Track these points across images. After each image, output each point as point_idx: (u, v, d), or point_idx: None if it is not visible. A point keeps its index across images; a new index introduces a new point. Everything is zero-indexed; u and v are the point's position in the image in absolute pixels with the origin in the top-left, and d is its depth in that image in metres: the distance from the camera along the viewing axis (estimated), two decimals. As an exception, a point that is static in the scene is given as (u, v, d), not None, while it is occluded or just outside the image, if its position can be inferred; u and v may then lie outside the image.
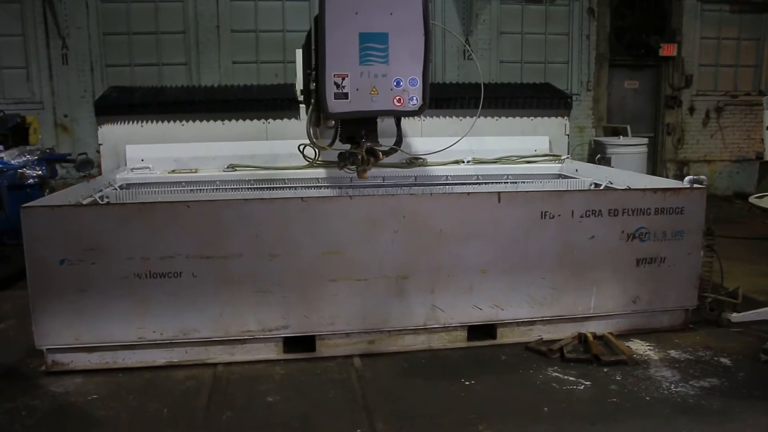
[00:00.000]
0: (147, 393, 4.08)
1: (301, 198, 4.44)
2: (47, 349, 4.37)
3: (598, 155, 9.57)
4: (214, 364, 4.46)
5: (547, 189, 6.24)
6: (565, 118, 7.60)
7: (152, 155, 6.69)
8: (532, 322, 4.89)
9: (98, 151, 6.97)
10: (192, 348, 4.49)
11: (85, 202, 5.20)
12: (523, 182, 6.64)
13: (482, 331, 4.85)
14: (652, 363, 4.48)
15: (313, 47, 4.65)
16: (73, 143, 10.68)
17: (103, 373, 4.36)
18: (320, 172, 6.53)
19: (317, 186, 6.45)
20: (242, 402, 3.95)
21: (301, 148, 6.04)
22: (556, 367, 4.41)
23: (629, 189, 5.33)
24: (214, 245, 4.33)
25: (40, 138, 8.88)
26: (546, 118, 7.53)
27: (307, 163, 6.25)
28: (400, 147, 5.20)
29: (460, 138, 5.61)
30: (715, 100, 12.78)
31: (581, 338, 4.84)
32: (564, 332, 4.91)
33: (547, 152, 7.31)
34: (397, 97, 4.52)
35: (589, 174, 6.55)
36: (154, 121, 6.88)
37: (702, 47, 12.58)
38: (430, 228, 4.56)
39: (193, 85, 8.56)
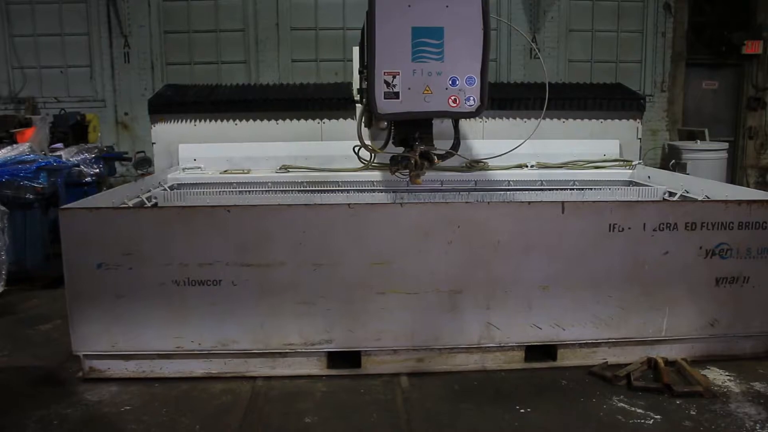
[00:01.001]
0: (180, 407, 3.88)
1: (348, 204, 4.15)
2: (84, 355, 4.24)
3: (673, 161, 8.99)
4: (254, 378, 4.23)
5: (617, 198, 5.85)
6: (638, 120, 7.11)
7: (205, 155, 6.57)
8: (596, 344, 4.48)
9: (153, 150, 6.92)
10: (231, 360, 4.27)
11: (131, 203, 5.08)
12: (591, 189, 6.22)
13: (541, 351, 4.47)
14: (732, 396, 4.01)
15: (363, 43, 4.38)
16: (133, 141, 10.77)
17: (140, 382, 4.19)
18: (376, 175, 6.26)
19: (371, 190, 6.18)
20: (278, 422, 3.69)
21: (356, 149, 5.81)
22: (621, 396, 4.00)
23: (709, 200, 4.85)
24: (255, 253, 4.09)
25: (99, 136, 8.94)
26: (617, 120, 7.06)
27: (363, 165, 6.02)
28: (456, 151, 4.87)
29: (522, 141, 5.26)
30: (804, 102, 11.88)
31: (651, 364, 4.41)
32: (631, 356, 4.48)
33: (617, 157, 6.85)
34: (453, 97, 4.18)
35: (662, 181, 6.07)
36: (208, 120, 6.75)
37: (791, 44, 11.71)
38: (487, 239, 4.20)
39: (248, 83, 8.42)
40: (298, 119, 6.77)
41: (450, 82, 4.15)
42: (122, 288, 4.08)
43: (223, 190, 6.14)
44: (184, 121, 6.75)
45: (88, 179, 7.49)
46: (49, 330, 5.25)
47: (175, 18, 10.85)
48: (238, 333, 4.19)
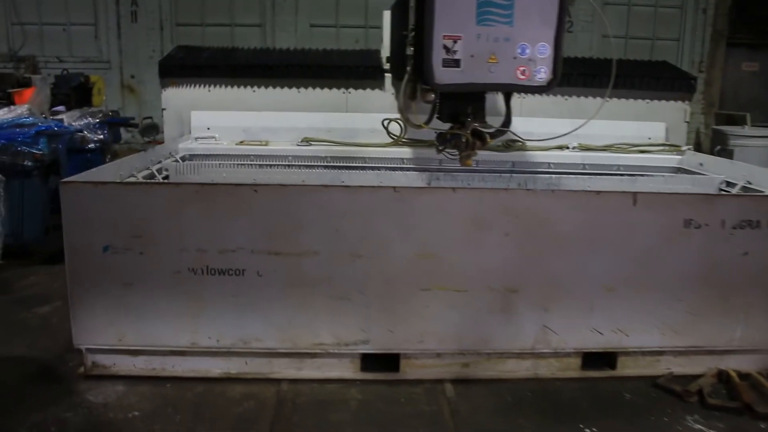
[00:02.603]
0: (197, 413, 3.40)
1: (394, 188, 3.62)
2: (87, 349, 3.74)
3: (718, 146, 8.42)
4: (278, 380, 3.73)
5: (670, 187, 5.29)
6: (687, 102, 6.56)
7: (219, 123, 6.01)
8: (660, 352, 3.99)
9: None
10: (253, 359, 3.77)
11: (140, 176, 4.54)
12: (642, 176, 5.66)
13: (598, 359, 3.99)
14: (822, 419, 3.53)
15: (412, 3, 3.80)
16: (139, 106, 10.21)
17: (149, 381, 3.69)
18: (405, 152, 5.71)
19: (402, 168, 5.63)
20: (310, 438, 3.21)
21: (386, 123, 5.29)
22: (696, 416, 3.51)
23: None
24: (285, 239, 3.58)
25: (105, 99, 8.36)
26: (664, 101, 6.49)
27: (392, 140, 5.49)
28: (509, 128, 4.32)
29: (585, 121, 4.68)
30: None
31: (721, 376, 3.92)
32: (698, 366, 3.99)
33: (663, 141, 6.30)
34: (522, 68, 3.62)
35: (718, 170, 5.52)
36: (223, 86, 6.17)
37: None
38: (548, 232, 3.68)
39: (267, 47, 7.83)
40: (321, 88, 6.20)
41: (519, 51, 3.58)
42: (131, 275, 3.57)
43: (240, 162, 5.59)
44: (197, 85, 6.18)
45: (91, 146, 6.98)
46: (47, 313, 4.75)
47: (186, -25, 10.23)
48: (261, 330, 3.69)
